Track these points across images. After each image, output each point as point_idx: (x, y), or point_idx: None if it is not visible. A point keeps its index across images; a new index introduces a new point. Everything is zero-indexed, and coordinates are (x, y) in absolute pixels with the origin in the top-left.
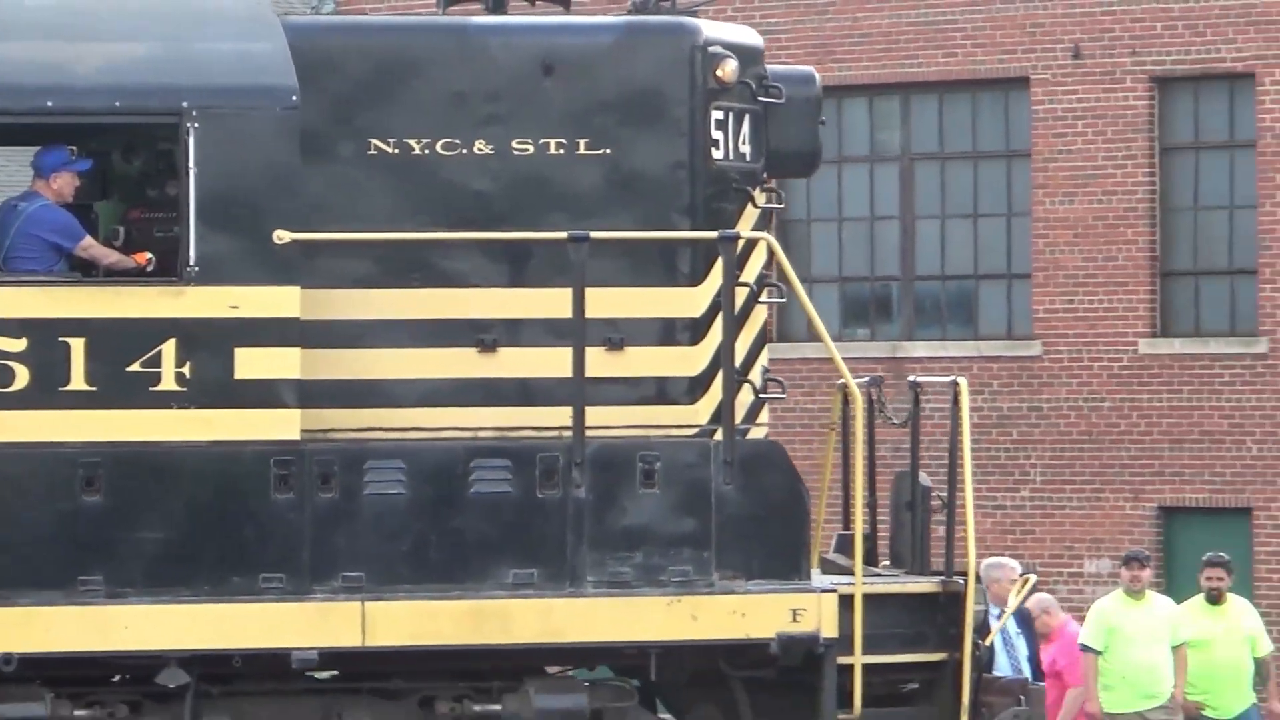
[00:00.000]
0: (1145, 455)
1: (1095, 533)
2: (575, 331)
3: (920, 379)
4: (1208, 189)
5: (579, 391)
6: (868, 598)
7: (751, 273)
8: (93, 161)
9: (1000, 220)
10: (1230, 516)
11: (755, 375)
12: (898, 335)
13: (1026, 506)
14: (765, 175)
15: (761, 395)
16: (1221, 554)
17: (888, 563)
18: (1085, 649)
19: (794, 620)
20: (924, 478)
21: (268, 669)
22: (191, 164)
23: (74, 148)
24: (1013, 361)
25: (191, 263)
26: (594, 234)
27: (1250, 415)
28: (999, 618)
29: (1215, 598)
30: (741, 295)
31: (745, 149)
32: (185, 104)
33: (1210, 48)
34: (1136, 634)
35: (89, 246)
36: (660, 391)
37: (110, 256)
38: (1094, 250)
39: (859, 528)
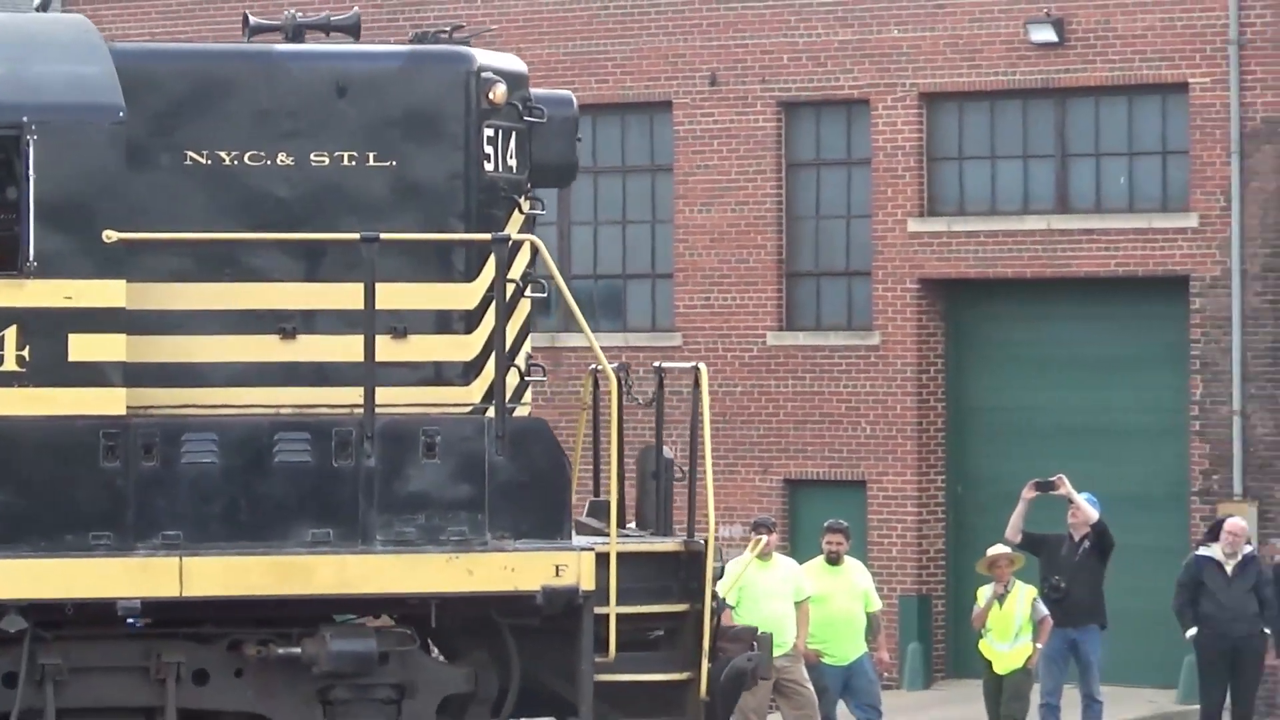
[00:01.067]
0: (772, 434)
1: (729, 502)
2: (366, 321)
3: (665, 365)
4: (828, 201)
5: (370, 374)
6: (620, 555)
7: (518, 271)
8: None
9: (646, 226)
10: (847, 488)
11: (521, 360)
12: (555, 328)
13: None
14: (529, 185)
15: (527, 378)
16: (840, 521)
17: (633, 525)
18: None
19: (557, 575)
20: (667, 451)
21: (96, 617)
22: (31, 171)
23: None
24: (656, 351)
25: (31, 258)
26: (383, 235)
27: (865, 400)
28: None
29: (834, 559)
30: (509, 290)
31: (512, 162)
32: (25, 119)
33: (830, 77)
34: (764, 590)
35: None
36: (439, 374)
37: None
38: (728, 253)
39: (614, 494)
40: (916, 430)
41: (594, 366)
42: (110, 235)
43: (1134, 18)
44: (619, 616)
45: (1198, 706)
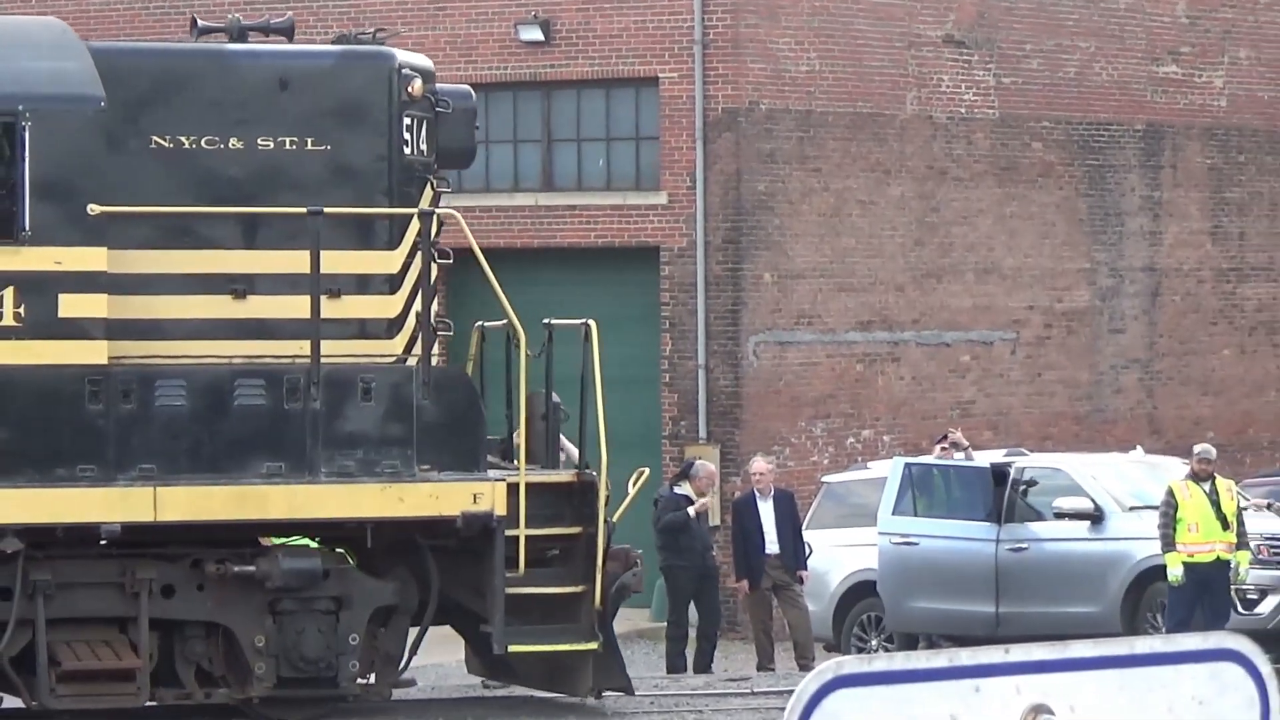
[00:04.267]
0: None
1: None
2: (312, 283)
3: (553, 321)
4: None
5: (315, 329)
6: (527, 485)
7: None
8: None
9: None
10: None
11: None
12: None
13: None
14: (436, 167)
15: (439, 333)
16: None
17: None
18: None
19: (475, 502)
20: (555, 396)
21: (82, 538)
22: (26, 153)
23: None
24: None
25: (26, 228)
26: (326, 209)
27: None
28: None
29: None
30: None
31: (424, 147)
32: (20, 107)
33: None
34: None
35: None
36: (367, 329)
37: None
38: None
39: (523, 434)
40: None
41: (479, 323)
42: (94, 208)
43: (611, 20)
44: (520, 538)
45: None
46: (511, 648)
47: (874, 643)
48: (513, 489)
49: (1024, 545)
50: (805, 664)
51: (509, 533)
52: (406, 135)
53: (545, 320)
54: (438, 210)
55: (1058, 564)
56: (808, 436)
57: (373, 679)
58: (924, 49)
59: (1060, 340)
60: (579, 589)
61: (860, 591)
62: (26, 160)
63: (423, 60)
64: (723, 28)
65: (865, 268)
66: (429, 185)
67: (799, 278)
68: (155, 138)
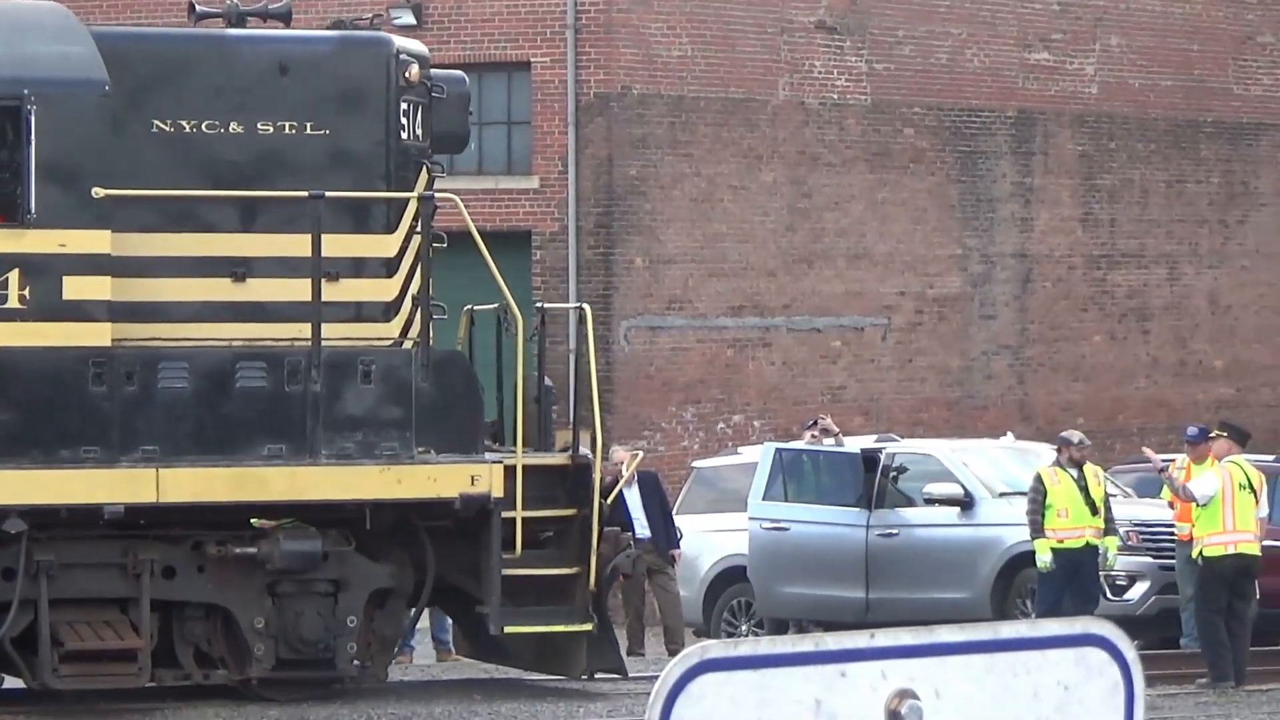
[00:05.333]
0: None
1: None
2: (314, 266)
3: (546, 305)
4: None
5: (317, 312)
6: (523, 468)
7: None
8: None
9: None
10: None
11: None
12: None
13: None
14: (430, 151)
15: (435, 317)
16: None
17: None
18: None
19: (472, 484)
20: (548, 380)
21: (85, 519)
22: (32, 136)
23: None
24: None
25: (31, 211)
26: (328, 193)
27: None
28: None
29: None
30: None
31: (419, 131)
32: (25, 91)
33: None
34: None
35: None
36: (365, 313)
37: None
38: None
39: (521, 418)
40: None
41: (468, 306)
42: (98, 191)
43: (483, 4)
44: (517, 520)
45: None
46: (507, 629)
47: (744, 628)
48: (509, 471)
49: (894, 531)
50: (675, 649)
51: (505, 514)
52: (403, 120)
53: (538, 304)
54: (437, 194)
55: (928, 550)
56: (678, 421)
57: (369, 661)
58: (796, 35)
59: (931, 326)
60: (573, 571)
61: (730, 576)
62: (32, 144)
63: (418, 46)
64: (595, 12)
65: (737, 253)
66: (424, 169)
67: (670, 263)
68: (157, 122)
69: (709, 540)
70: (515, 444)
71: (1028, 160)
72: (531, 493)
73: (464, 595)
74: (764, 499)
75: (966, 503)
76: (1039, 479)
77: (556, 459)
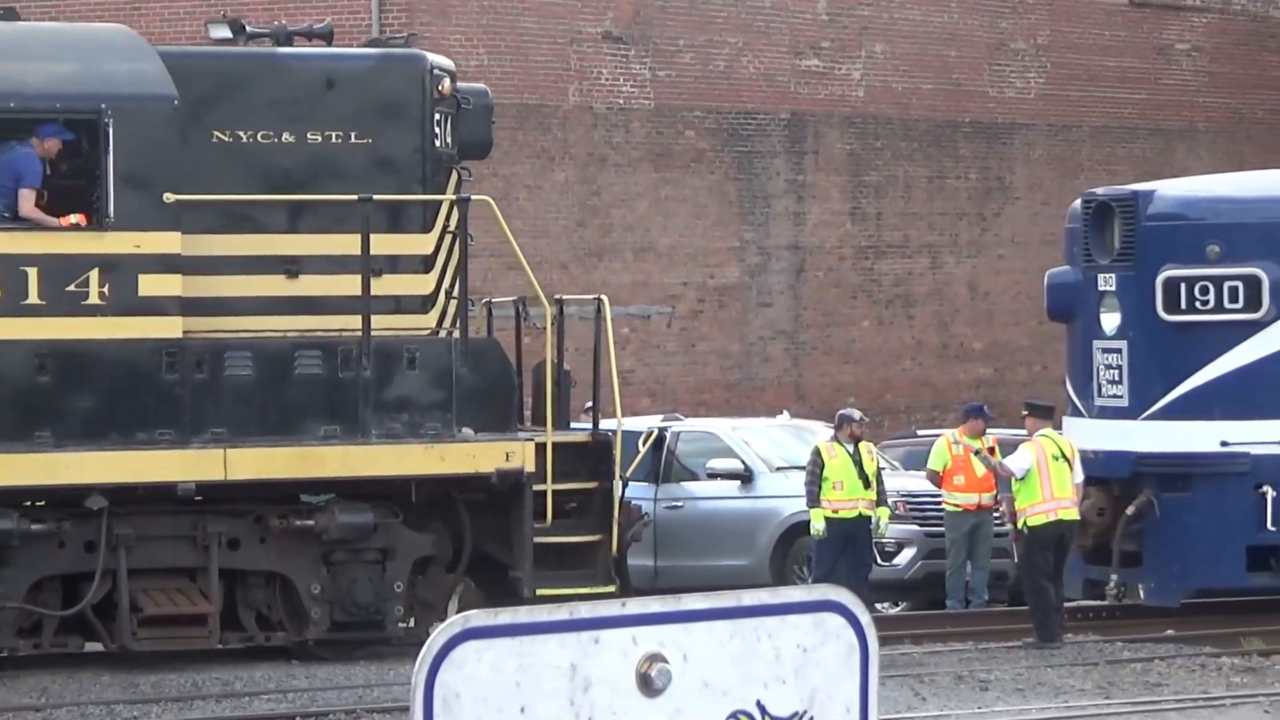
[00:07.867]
0: None
1: None
2: (363, 263)
3: (565, 296)
4: None
5: (366, 305)
6: (552, 445)
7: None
8: (75, 136)
9: None
10: None
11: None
12: None
13: None
14: (458, 158)
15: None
16: None
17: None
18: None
19: (507, 460)
20: (565, 365)
21: (160, 496)
22: (110, 147)
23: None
24: None
25: (110, 215)
26: (375, 196)
27: None
28: None
29: None
30: (452, 240)
31: (450, 139)
32: (103, 106)
33: None
34: None
35: (28, 196)
36: (403, 305)
37: (35, 214)
38: None
39: (549, 400)
40: None
41: (485, 299)
42: (169, 197)
43: (295, 18)
44: (547, 492)
45: None
46: (539, 591)
47: None
48: (539, 448)
49: (679, 504)
50: None
51: (536, 488)
52: (436, 129)
53: (557, 296)
54: (473, 197)
55: (711, 520)
56: None
57: (413, 623)
58: (585, 45)
59: (712, 314)
60: (596, 538)
61: None
62: (110, 154)
63: (448, 62)
64: (399, 25)
65: (532, 248)
66: (454, 174)
67: (470, 257)
68: (216, 132)
69: None
70: (546, 424)
71: (800, 159)
72: (558, 467)
73: (493, 563)
74: None
75: (746, 476)
76: (817, 453)
77: (580, 436)
